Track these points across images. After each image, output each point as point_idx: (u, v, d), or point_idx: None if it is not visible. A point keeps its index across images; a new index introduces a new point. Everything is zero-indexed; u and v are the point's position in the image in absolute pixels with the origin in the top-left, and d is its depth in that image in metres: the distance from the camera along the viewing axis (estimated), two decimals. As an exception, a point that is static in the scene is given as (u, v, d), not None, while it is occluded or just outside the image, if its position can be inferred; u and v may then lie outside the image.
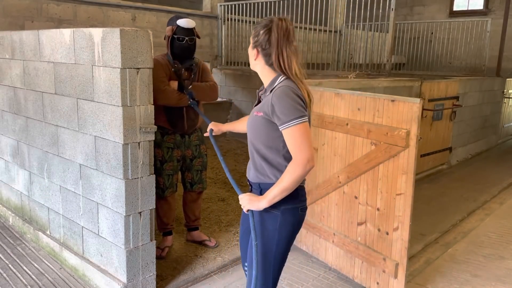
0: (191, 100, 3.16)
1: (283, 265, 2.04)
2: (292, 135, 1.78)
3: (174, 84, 3.17)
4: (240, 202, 1.96)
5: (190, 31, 3.20)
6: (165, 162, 3.25)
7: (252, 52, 1.95)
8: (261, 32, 1.88)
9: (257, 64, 1.95)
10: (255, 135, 1.93)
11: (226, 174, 2.13)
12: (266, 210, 1.93)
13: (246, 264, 2.20)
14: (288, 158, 1.88)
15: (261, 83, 2.02)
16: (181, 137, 3.33)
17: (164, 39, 3.26)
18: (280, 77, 1.89)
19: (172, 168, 3.30)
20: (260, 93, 2.00)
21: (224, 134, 7.21)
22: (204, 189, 3.55)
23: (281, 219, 1.93)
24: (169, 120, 3.22)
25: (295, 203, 1.95)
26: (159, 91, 2.99)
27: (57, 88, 3.04)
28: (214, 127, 2.54)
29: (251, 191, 2.05)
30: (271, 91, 1.87)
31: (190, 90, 3.18)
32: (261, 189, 1.97)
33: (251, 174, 2.02)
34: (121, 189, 2.62)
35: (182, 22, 3.16)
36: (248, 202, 1.91)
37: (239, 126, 2.45)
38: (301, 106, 1.81)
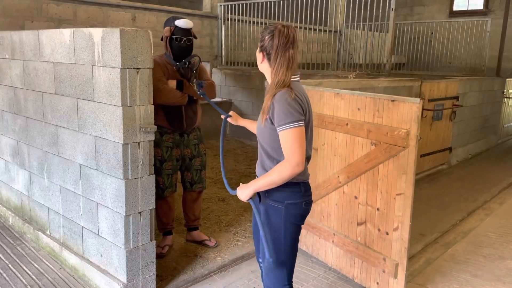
0: (200, 90, 3.17)
1: (296, 254, 2.16)
2: (286, 137, 1.89)
3: (173, 83, 3.17)
4: (238, 194, 2.10)
5: (188, 32, 3.21)
6: (165, 161, 3.25)
7: (258, 55, 2.08)
8: (266, 37, 1.99)
9: (264, 67, 2.07)
10: (262, 136, 2.06)
11: (221, 155, 2.32)
12: (270, 204, 2.06)
13: (260, 256, 2.30)
14: None
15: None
16: (180, 136, 3.33)
17: (161, 39, 3.27)
18: None
19: (172, 168, 3.30)
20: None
21: (225, 134, 7.22)
22: (204, 189, 3.55)
23: (285, 212, 2.04)
24: (168, 119, 3.22)
25: (297, 198, 2.06)
26: (157, 90, 3.00)
27: (57, 88, 3.04)
28: (233, 115, 2.60)
29: None
30: (274, 94, 1.96)
31: (199, 81, 3.20)
32: None
33: (258, 171, 2.15)
34: (121, 189, 2.62)
35: (181, 23, 3.16)
36: (240, 192, 2.06)
37: (254, 127, 2.49)
38: (297, 111, 1.90)
